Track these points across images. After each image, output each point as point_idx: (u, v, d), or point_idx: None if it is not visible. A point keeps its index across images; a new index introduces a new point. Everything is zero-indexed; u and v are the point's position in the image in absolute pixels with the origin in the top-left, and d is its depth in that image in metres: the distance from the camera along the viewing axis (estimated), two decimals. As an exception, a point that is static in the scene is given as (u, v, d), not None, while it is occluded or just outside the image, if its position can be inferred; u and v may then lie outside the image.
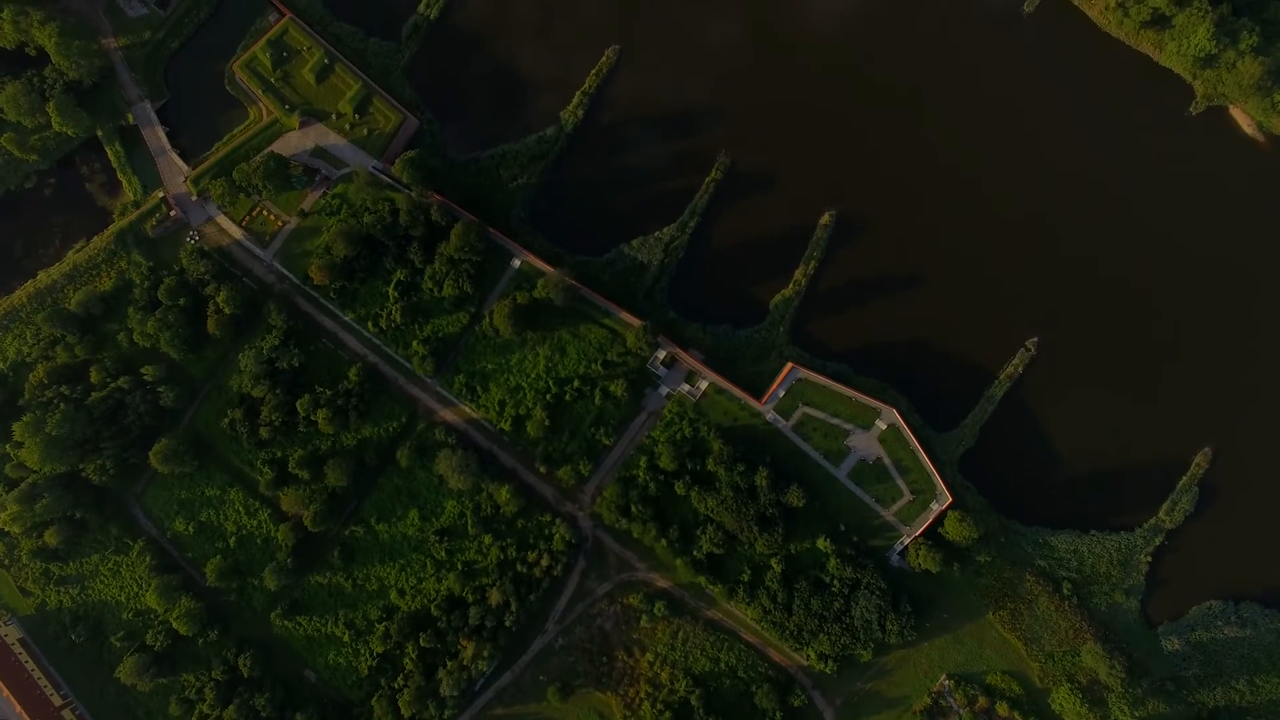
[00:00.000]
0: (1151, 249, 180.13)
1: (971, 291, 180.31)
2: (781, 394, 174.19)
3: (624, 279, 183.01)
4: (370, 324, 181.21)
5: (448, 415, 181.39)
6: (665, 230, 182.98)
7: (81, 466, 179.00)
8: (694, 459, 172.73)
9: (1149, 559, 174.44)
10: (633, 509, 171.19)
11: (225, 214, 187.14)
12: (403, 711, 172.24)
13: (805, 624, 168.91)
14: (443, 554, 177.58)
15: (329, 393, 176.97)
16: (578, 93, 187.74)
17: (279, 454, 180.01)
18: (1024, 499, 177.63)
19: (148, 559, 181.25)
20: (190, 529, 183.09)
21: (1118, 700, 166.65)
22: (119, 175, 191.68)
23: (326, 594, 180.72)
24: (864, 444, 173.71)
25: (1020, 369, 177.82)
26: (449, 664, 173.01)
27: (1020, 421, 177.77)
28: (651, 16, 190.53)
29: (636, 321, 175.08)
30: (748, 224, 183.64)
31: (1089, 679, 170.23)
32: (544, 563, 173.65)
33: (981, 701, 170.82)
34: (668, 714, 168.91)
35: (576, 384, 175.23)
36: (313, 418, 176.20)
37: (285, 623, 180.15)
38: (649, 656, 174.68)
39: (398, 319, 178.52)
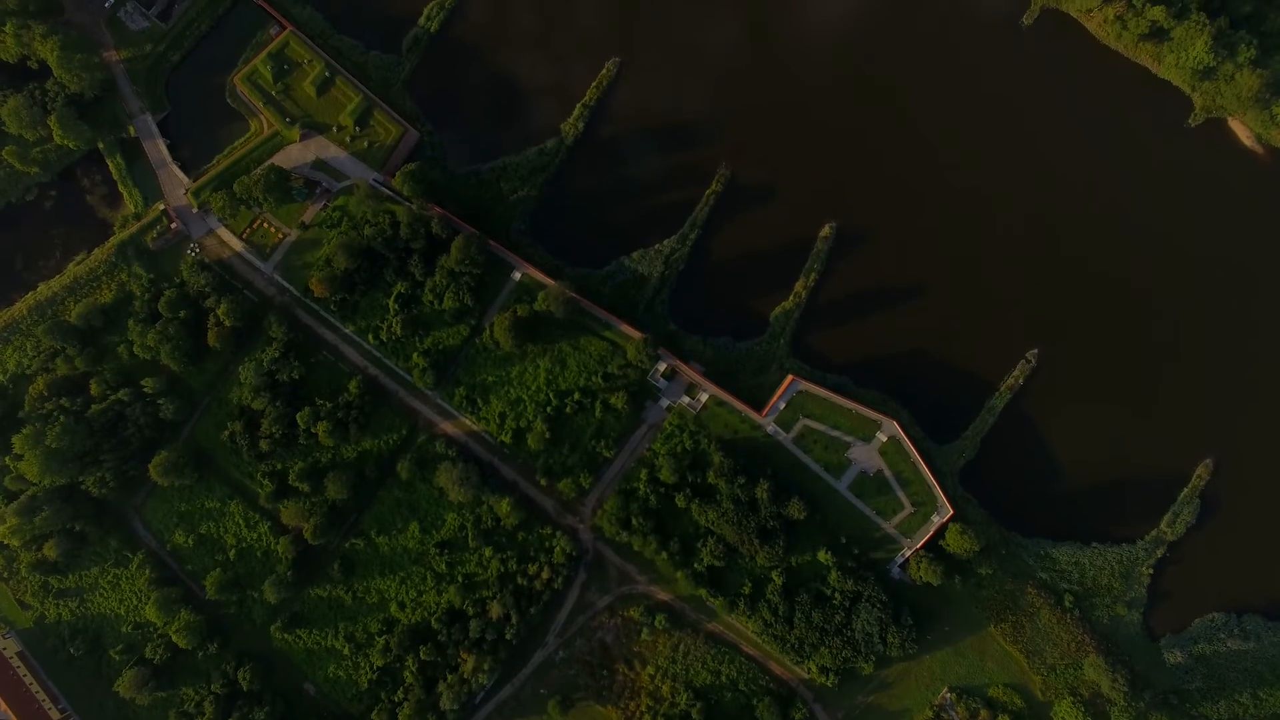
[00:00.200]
0: (1151, 260, 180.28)
1: (972, 303, 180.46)
2: (782, 406, 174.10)
3: (624, 291, 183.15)
4: (371, 336, 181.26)
5: (448, 428, 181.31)
6: (665, 243, 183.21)
7: (81, 479, 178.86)
8: (695, 471, 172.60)
9: (1151, 571, 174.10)
10: (633, 522, 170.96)
11: (226, 226, 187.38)
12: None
13: (806, 637, 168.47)
14: (443, 567, 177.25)
15: (329, 405, 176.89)
16: (578, 105, 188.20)
17: (279, 466, 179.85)
18: (1025, 511, 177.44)
19: (147, 572, 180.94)
20: (190, 542, 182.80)
21: (1120, 714, 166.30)
22: (120, 188, 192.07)
23: (326, 607, 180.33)
24: (865, 456, 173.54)
25: (1021, 380, 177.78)
26: (449, 677, 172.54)
27: (1021, 433, 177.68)
28: (651, 29, 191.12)
29: (637, 334, 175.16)
30: (748, 236, 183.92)
31: (1091, 692, 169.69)
32: (544, 575, 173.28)
33: (983, 715, 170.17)
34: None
35: (577, 396, 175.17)
36: (313, 430, 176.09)
37: (285, 636, 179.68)
38: (650, 669, 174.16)
39: (398, 331, 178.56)
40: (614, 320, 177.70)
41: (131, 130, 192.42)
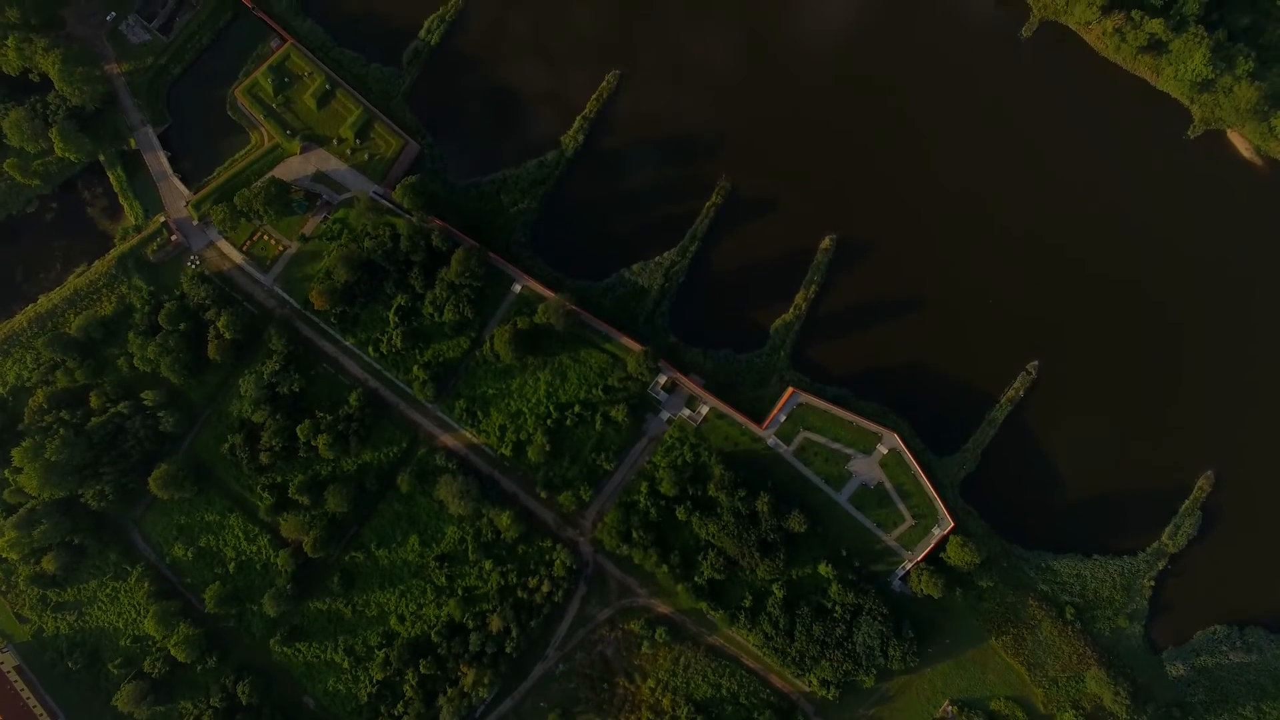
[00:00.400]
0: (1152, 272, 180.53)
1: (972, 315, 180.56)
2: (782, 419, 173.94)
3: (625, 304, 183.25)
4: (371, 349, 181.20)
5: (448, 440, 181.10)
6: (666, 255, 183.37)
7: (81, 492, 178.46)
8: (695, 484, 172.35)
9: (1152, 583, 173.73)
10: (634, 534, 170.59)
11: (226, 239, 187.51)
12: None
13: (807, 650, 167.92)
14: (443, 580, 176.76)
15: (329, 418, 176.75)
16: (578, 117, 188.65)
17: (279, 479, 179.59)
18: (1026, 523, 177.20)
19: (146, 585, 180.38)
20: (189, 554, 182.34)
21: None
22: (120, 200, 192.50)
23: (326, 620, 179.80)
24: (865, 469, 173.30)
25: (1021, 392, 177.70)
26: (449, 691, 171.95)
27: (1022, 445, 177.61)
28: (651, 42, 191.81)
29: (637, 346, 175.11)
30: (748, 248, 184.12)
31: (1093, 705, 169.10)
32: (545, 588, 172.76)
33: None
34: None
35: (577, 409, 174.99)
36: (313, 443, 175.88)
37: (284, 649, 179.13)
38: (650, 683, 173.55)
39: (398, 344, 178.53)
40: (614, 333, 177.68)
41: (132, 143, 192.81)
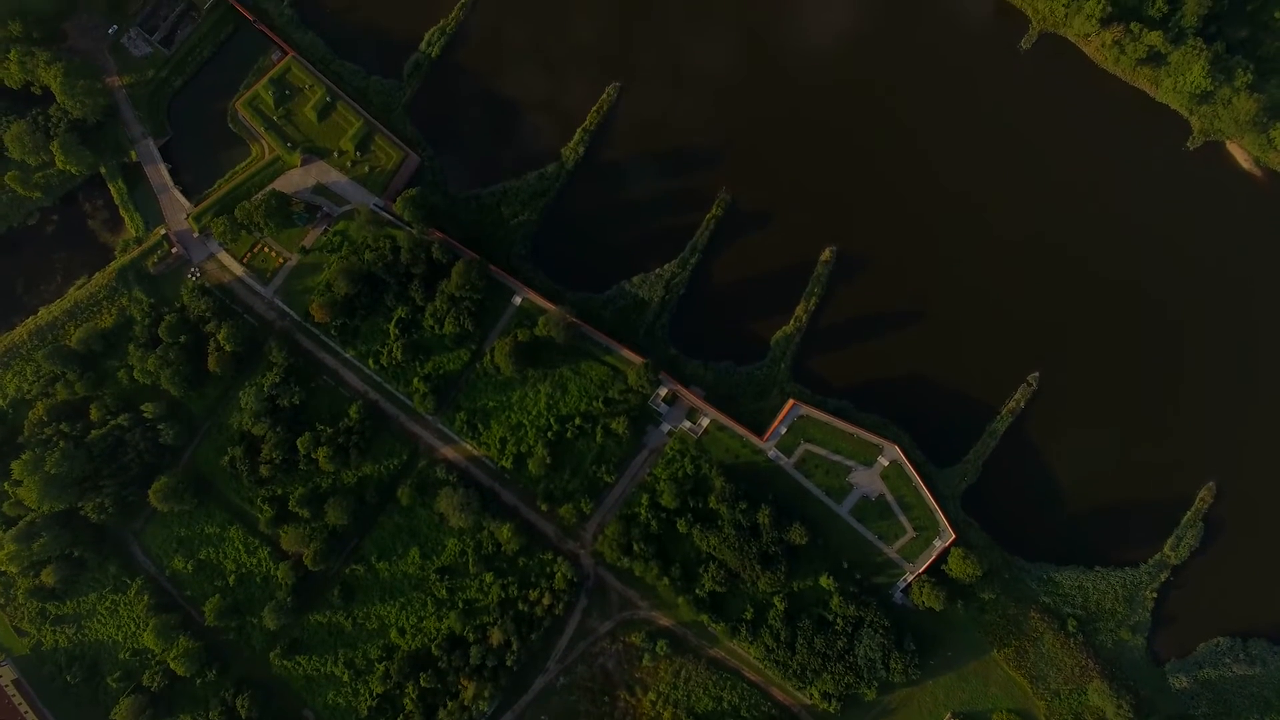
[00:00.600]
0: (1153, 283, 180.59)
1: (972, 327, 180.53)
2: (783, 431, 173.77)
3: (625, 316, 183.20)
4: (371, 361, 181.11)
5: (449, 453, 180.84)
6: (666, 267, 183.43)
7: (80, 504, 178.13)
8: (696, 496, 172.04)
9: (1155, 595, 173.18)
10: (635, 547, 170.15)
11: (227, 251, 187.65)
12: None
13: (808, 663, 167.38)
14: (443, 592, 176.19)
15: (330, 430, 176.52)
16: (578, 129, 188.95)
17: (279, 492, 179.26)
18: (1028, 535, 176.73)
19: (146, 598, 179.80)
20: (189, 567, 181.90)
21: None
22: (121, 212, 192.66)
23: (326, 633, 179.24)
24: (866, 480, 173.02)
25: (1022, 403, 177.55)
26: (449, 704, 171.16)
27: (1023, 456, 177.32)
28: (651, 53, 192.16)
29: (638, 359, 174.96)
30: (748, 261, 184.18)
31: (1096, 718, 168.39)
32: (545, 601, 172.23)
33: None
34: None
35: (578, 421, 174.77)
36: (313, 455, 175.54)
37: (284, 662, 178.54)
38: (651, 696, 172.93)
39: (399, 356, 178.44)
40: (615, 345, 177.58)
41: (133, 155, 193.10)
